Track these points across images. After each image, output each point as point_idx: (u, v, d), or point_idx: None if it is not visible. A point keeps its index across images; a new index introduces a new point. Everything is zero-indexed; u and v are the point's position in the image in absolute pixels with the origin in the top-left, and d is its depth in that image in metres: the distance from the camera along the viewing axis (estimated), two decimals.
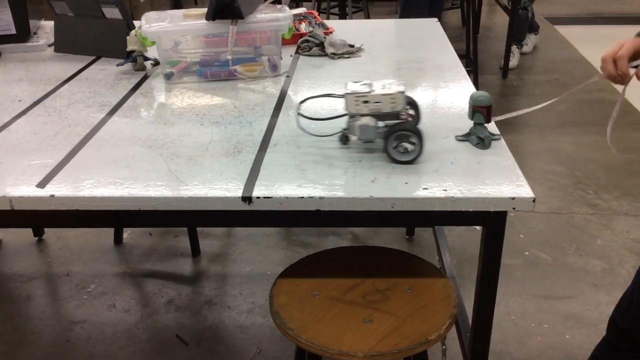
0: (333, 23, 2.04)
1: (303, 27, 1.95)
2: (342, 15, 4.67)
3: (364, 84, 1.17)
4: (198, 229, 2.38)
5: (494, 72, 4.11)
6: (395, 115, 1.16)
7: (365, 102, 1.14)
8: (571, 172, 2.83)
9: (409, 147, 1.12)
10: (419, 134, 1.12)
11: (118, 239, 2.41)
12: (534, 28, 4.38)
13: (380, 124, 1.17)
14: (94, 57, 1.80)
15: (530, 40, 4.36)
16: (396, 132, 1.12)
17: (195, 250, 2.33)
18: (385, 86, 1.16)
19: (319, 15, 2.06)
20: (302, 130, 1.29)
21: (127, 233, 2.46)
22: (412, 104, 1.23)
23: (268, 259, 2.30)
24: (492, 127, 1.24)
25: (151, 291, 2.14)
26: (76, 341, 1.93)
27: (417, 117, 1.25)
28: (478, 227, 2.43)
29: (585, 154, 2.99)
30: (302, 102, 1.38)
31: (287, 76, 1.63)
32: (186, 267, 2.26)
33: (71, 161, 1.18)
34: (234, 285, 2.16)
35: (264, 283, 2.17)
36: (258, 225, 1.17)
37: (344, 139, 1.22)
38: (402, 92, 1.14)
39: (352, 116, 1.18)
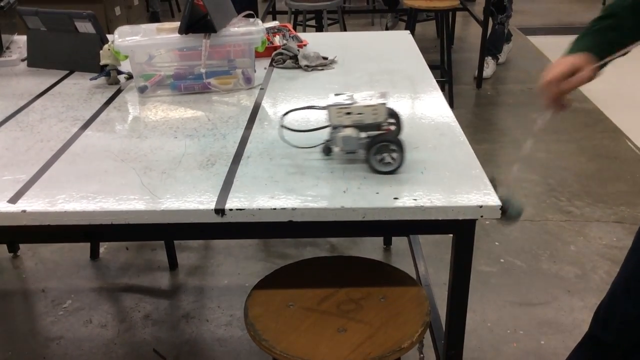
0: (307, 36, 2.06)
1: (277, 40, 1.96)
2: (319, 28, 4.71)
3: (347, 97, 1.20)
4: (175, 242, 2.37)
5: (468, 83, 4.17)
6: (377, 126, 1.19)
7: (348, 113, 1.17)
8: (544, 180, 2.88)
9: (390, 158, 1.15)
10: (400, 145, 1.14)
11: (94, 254, 2.39)
12: (507, 38, 4.46)
13: (363, 135, 1.19)
14: (67, 72, 1.79)
15: (504, 50, 4.44)
16: (378, 143, 1.14)
17: (173, 264, 2.32)
18: (367, 98, 1.19)
19: (294, 28, 2.08)
20: (286, 142, 1.30)
21: (103, 248, 2.44)
22: (393, 115, 1.26)
23: (246, 270, 2.30)
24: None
25: (128, 306, 2.12)
26: (52, 358, 1.90)
27: (398, 128, 1.27)
28: None
29: (558, 162, 3.05)
30: (285, 114, 1.40)
31: (261, 88, 1.64)
32: (163, 281, 2.25)
33: (43, 176, 1.18)
34: (212, 298, 2.16)
35: (242, 295, 2.16)
36: (232, 237, 1.18)
37: (327, 150, 1.24)
38: (384, 104, 1.17)
39: (335, 128, 1.20)
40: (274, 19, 4.83)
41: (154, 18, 5.49)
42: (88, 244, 2.41)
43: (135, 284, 2.24)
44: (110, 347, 1.94)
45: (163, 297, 2.16)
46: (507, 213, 1.05)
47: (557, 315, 2.04)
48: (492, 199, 1.05)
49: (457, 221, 1.06)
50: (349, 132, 1.18)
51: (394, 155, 1.15)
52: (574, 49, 1.15)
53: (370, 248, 2.40)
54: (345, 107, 1.17)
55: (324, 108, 1.20)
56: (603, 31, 1.15)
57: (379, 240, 2.44)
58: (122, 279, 2.26)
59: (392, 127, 1.24)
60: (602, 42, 1.14)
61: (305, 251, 2.39)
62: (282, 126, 1.33)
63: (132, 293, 2.19)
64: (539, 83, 1.15)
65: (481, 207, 1.04)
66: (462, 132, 1.30)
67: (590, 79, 1.11)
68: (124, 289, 2.21)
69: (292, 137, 1.32)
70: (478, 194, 1.07)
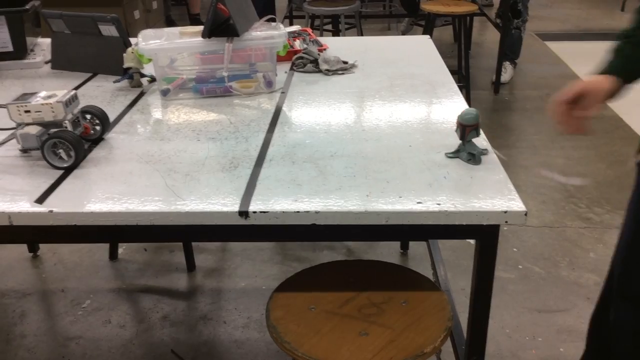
0: (327, 40, 2.07)
1: (297, 44, 1.97)
2: (335, 32, 4.72)
3: (30, 95, 1.28)
4: (193, 244, 2.38)
5: (485, 88, 4.16)
6: (59, 124, 1.25)
7: (27, 111, 1.24)
8: (563, 186, 2.86)
9: (65, 154, 1.22)
10: (74, 143, 1.20)
11: (113, 255, 2.41)
12: None
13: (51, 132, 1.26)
14: (90, 74, 1.81)
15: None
16: (52, 139, 1.20)
17: (191, 265, 2.34)
18: (49, 97, 1.25)
19: (312, 32, 2.09)
20: None
21: (122, 248, 2.46)
22: (99, 115, 1.34)
23: (263, 273, 2.30)
24: (481, 142, 1.26)
25: (146, 306, 2.14)
26: (71, 357, 1.92)
27: (103, 128, 1.35)
28: (471, 241, 2.45)
29: (577, 168, 3.03)
30: None
31: (282, 92, 1.65)
32: (181, 282, 2.27)
33: (69, 177, 1.20)
34: (229, 300, 2.16)
35: (259, 298, 2.17)
36: (255, 239, 1.19)
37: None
38: (60, 103, 1.23)
39: (19, 125, 1.27)
40: (291, 23, 4.85)
41: (170, 22, 5.53)
42: (107, 245, 2.43)
43: (154, 285, 2.25)
44: (129, 347, 1.96)
45: (181, 299, 2.18)
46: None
47: (577, 323, 2.02)
48: (517, 205, 1.05)
49: (481, 226, 1.06)
50: (28, 129, 1.24)
51: (71, 152, 1.21)
52: (605, 68, 1.14)
53: (386, 252, 2.40)
54: (24, 105, 1.23)
55: (3, 106, 1.28)
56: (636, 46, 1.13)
57: (396, 244, 2.44)
58: (141, 280, 2.28)
59: (98, 127, 1.34)
60: (630, 66, 1.12)
61: (322, 255, 2.40)
62: None
63: (151, 294, 2.20)
64: (550, 102, 1.15)
65: (506, 212, 1.04)
66: (484, 136, 1.30)
67: (598, 108, 1.10)
68: (143, 290, 2.23)
69: None
70: (502, 199, 1.07)
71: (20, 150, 1.29)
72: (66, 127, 1.25)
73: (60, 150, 1.21)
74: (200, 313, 2.10)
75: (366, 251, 2.41)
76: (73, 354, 1.94)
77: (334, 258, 2.36)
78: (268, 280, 2.26)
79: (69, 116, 1.26)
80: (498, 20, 4.12)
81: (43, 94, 1.26)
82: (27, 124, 1.25)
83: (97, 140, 1.36)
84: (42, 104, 1.22)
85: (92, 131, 1.34)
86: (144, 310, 2.12)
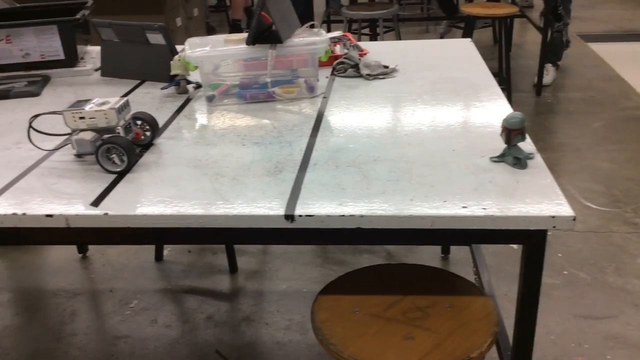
0: (367, 44, 2.08)
1: (338, 49, 1.99)
2: (373, 36, 4.73)
3: (84, 102, 1.32)
4: (235, 246, 2.42)
5: (527, 90, 4.09)
6: (112, 129, 1.30)
7: (82, 117, 1.28)
8: (609, 191, 2.80)
9: (118, 159, 1.26)
10: (126, 147, 1.24)
11: (159, 256, 2.47)
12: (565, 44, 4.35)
13: (105, 138, 1.28)
14: (138, 81, 1.87)
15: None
16: (105, 144, 1.25)
17: (233, 267, 2.38)
18: (102, 104, 1.29)
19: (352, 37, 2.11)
20: (35, 146, 1.40)
21: (167, 250, 2.52)
22: (149, 121, 1.38)
23: (304, 276, 2.33)
24: (527, 146, 1.25)
25: (191, 307, 2.19)
26: (120, 356, 1.98)
27: (153, 133, 1.39)
28: (515, 246, 2.42)
29: (622, 172, 2.95)
30: (34, 117, 1.43)
31: (323, 97, 1.67)
32: (224, 284, 2.31)
33: (122, 181, 1.24)
34: (270, 302, 2.19)
35: (301, 300, 2.19)
36: (299, 243, 1.21)
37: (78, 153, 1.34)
38: (113, 109, 1.27)
39: (74, 131, 1.30)
40: (329, 28, 4.88)
41: (211, 30, 5.63)
42: (153, 247, 2.49)
43: (198, 286, 2.30)
44: (175, 346, 2.00)
45: (224, 300, 2.22)
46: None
47: (624, 330, 1.97)
48: (565, 209, 1.04)
49: (528, 231, 1.06)
50: (83, 135, 1.28)
51: (123, 157, 1.25)
52: None
53: (427, 257, 2.39)
54: (78, 112, 1.27)
55: (58, 113, 1.31)
56: None
57: (437, 248, 2.43)
58: (185, 281, 2.33)
59: (148, 133, 1.38)
60: None
61: (362, 258, 2.40)
62: (31, 127, 1.38)
63: (195, 295, 2.25)
64: None
65: (554, 217, 1.03)
66: (530, 140, 1.29)
67: None
68: (187, 291, 2.28)
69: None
70: (550, 204, 1.06)
71: (75, 155, 1.34)
72: (119, 133, 1.30)
73: (114, 155, 1.25)
74: (243, 314, 2.14)
75: (406, 255, 2.41)
76: (121, 352, 2.00)
77: (373, 261, 2.37)
78: (309, 283, 2.28)
79: (122, 122, 1.30)
80: (541, 19, 4.06)
81: (96, 101, 1.31)
82: (82, 130, 1.30)
83: (147, 146, 1.40)
84: (96, 111, 1.27)
85: (142, 137, 1.39)
86: (188, 311, 2.17)
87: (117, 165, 1.26)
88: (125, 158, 1.25)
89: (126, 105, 1.33)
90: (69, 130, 1.33)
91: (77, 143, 1.30)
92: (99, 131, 1.30)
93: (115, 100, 1.31)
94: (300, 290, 2.25)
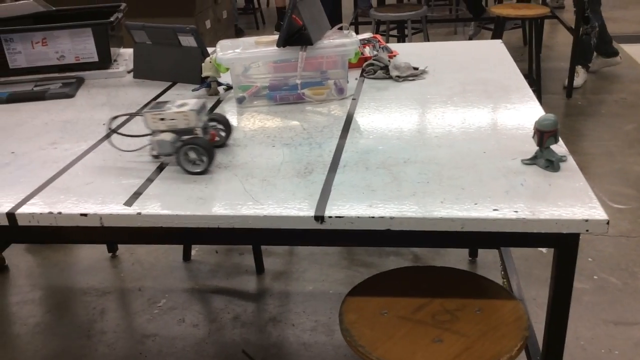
0: (396, 46, 2.08)
1: (367, 51, 1.99)
2: (401, 37, 4.71)
3: (162, 103, 1.31)
4: (262, 247, 2.44)
5: (557, 92, 4.04)
6: (190, 130, 1.30)
7: (162, 119, 1.28)
8: None
9: (199, 159, 1.26)
10: (206, 147, 1.25)
11: (187, 256, 2.50)
12: (610, 52, 4.26)
13: (184, 139, 1.29)
14: (170, 83, 1.90)
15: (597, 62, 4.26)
16: (186, 145, 1.25)
17: (260, 268, 2.39)
18: (181, 105, 1.29)
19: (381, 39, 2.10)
20: (114, 147, 1.41)
21: (195, 250, 2.55)
22: (223, 122, 1.39)
23: (330, 278, 2.33)
24: (559, 148, 1.24)
25: (218, 307, 2.21)
26: (148, 354, 2.01)
27: (227, 134, 1.40)
28: (544, 250, 2.38)
29: None
30: (113, 118, 1.44)
31: (353, 99, 1.67)
32: (251, 284, 2.32)
33: (155, 180, 1.26)
34: (297, 303, 2.20)
35: (327, 302, 2.20)
36: (328, 244, 1.21)
37: (155, 154, 1.34)
38: (194, 110, 1.27)
39: (153, 132, 1.30)
40: (357, 29, 4.88)
41: (239, 32, 5.68)
42: (181, 247, 2.52)
43: (225, 286, 2.32)
44: (202, 345, 2.03)
45: (251, 300, 2.23)
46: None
47: None
48: (598, 213, 1.02)
49: (560, 235, 1.04)
50: (163, 136, 1.27)
51: (203, 157, 1.25)
52: None
53: (454, 259, 2.37)
54: (159, 113, 1.26)
55: (138, 114, 1.29)
56: None
57: (464, 251, 2.41)
58: (212, 281, 2.35)
59: (223, 133, 1.39)
60: None
61: (388, 260, 2.40)
62: (110, 129, 1.39)
63: (222, 295, 2.27)
64: None
65: (587, 221, 1.01)
66: (562, 143, 1.27)
67: None
68: (214, 291, 2.30)
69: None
70: (583, 208, 1.05)
71: (153, 156, 1.35)
72: (197, 134, 1.30)
73: (194, 156, 1.26)
74: (270, 315, 2.15)
75: (433, 257, 2.39)
76: (150, 351, 2.03)
77: (400, 264, 2.36)
78: (335, 285, 2.29)
79: (200, 123, 1.31)
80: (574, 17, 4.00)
81: (176, 102, 1.31)
82: (162, 131, 1.30)
83: (221, 146, 1.41)
84: (177, 112, 1.27)
85: (217, 137, 1.39)
86: (215, 311, 2.19)
87: (197, 166, 1.26)
88: (205, 158, 1.25)
89: (204, 107, 1.33)
90: (141, 132, 1.34)
91: (159, 144, 1.29)
92: (178, 132, 1.30)
93: (193, 102, 1.30)
94: (327, 291, 2.26)
